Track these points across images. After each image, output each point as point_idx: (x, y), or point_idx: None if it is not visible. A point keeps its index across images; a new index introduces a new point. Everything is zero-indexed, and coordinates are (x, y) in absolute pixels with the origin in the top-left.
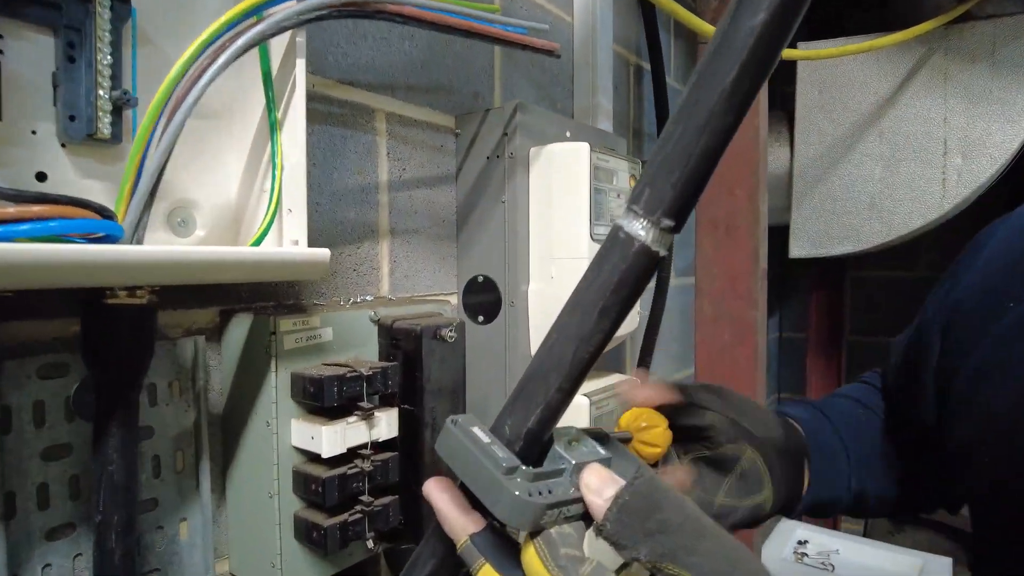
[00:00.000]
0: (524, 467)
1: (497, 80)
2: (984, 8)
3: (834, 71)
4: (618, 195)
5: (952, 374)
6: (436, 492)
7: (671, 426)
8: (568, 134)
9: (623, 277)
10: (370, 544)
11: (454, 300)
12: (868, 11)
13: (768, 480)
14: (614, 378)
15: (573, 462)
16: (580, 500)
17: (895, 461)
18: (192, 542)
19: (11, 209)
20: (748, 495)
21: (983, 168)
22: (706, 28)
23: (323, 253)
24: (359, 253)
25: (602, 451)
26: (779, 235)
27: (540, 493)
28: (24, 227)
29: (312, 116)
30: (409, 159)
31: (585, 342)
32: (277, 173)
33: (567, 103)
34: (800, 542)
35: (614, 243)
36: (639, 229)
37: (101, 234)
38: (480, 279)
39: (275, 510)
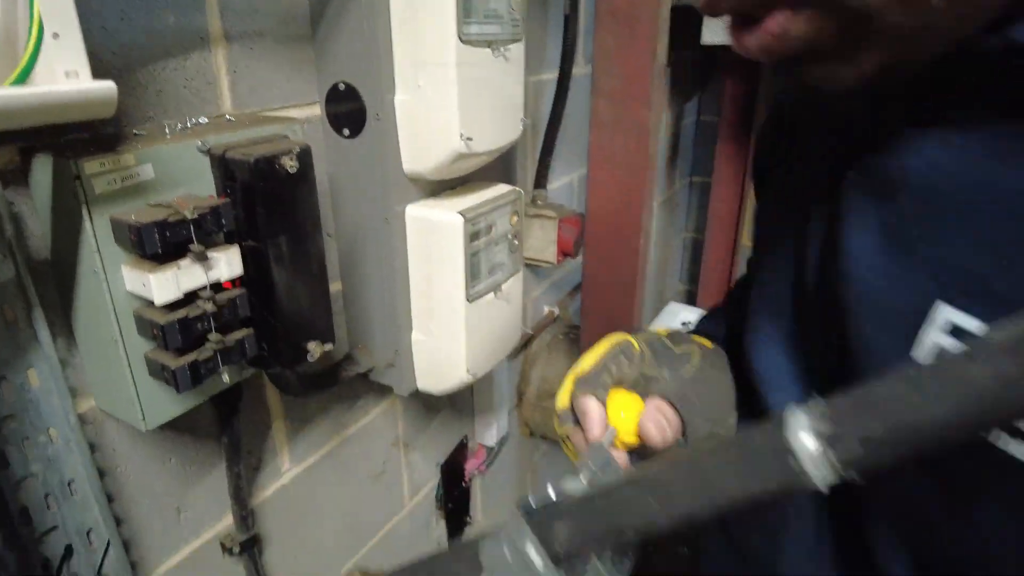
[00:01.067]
0: None
1: None
2: None
3: None
4: None
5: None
6: None
7: None
8: None
9: (758, 496)
10: (225, 378)
11: (319, 111)
12: None
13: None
14: (497, 190)
15: None
16: None
17: None
18: (46, 387)
19: None
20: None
21: None
22: None
23: (104, 88)
24: (188, 67)
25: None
26: (698, 15)
27: None
28: None
29: None
30: None
31: (678, 520)
32: None
33: None
34: (684, 323)
35: (775, 454)
36: (813, 462)
37: None
38: (341, 87)
39: (122, 355)
